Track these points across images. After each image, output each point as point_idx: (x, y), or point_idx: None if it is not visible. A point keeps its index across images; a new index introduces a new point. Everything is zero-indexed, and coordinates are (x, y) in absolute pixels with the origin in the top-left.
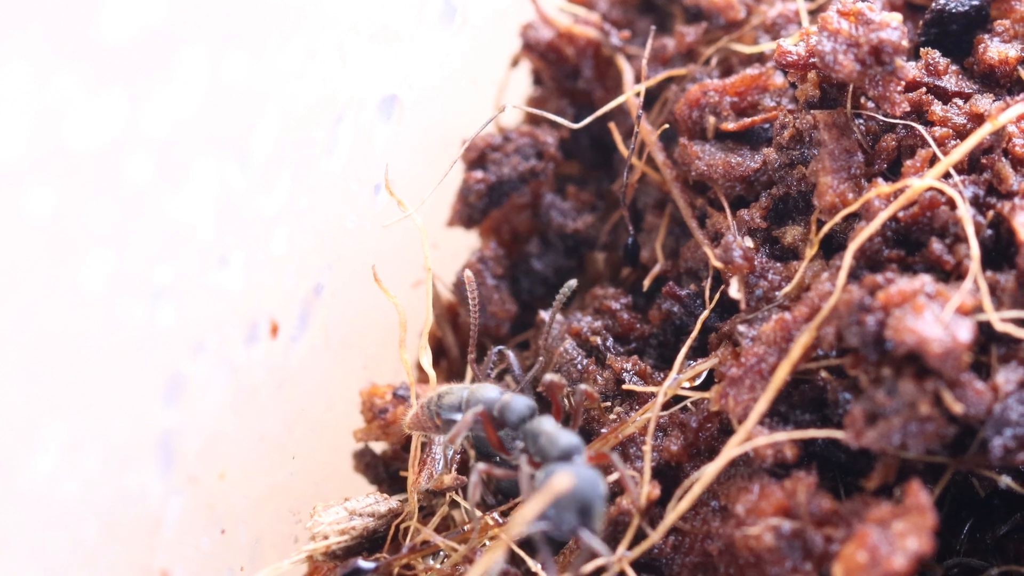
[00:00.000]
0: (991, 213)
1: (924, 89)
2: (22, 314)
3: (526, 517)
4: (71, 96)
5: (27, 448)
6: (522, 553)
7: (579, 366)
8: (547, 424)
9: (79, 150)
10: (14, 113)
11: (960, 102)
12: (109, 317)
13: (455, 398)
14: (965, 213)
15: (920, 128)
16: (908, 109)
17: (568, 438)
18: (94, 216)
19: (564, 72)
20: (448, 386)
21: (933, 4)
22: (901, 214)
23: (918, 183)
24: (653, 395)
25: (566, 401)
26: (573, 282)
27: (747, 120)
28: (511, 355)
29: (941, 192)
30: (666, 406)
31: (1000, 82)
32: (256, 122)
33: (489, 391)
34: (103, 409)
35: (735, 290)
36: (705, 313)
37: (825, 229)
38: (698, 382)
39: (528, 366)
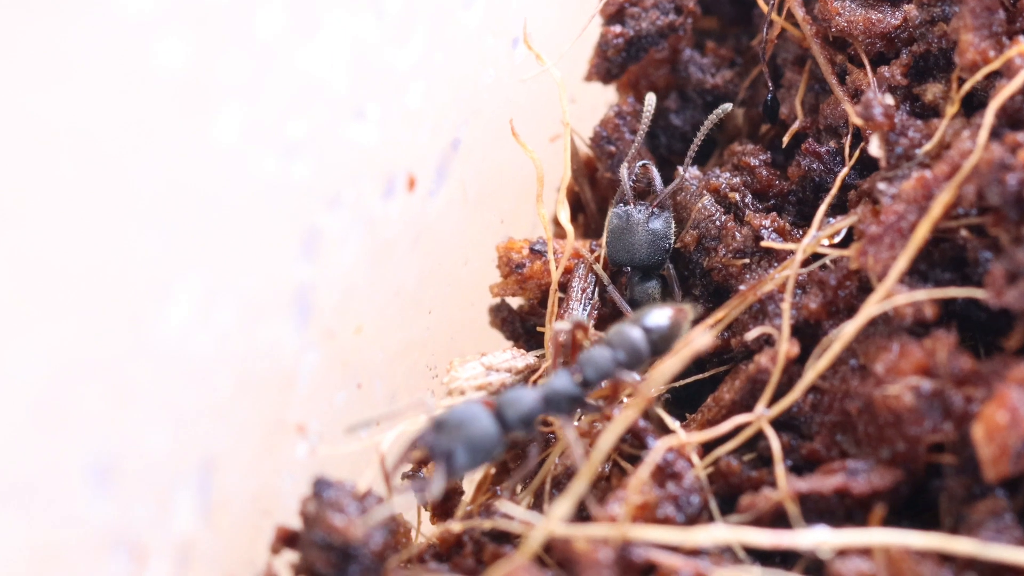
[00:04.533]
0: None
1: None
2: (155, 167)
3: (666, 374)
4: None
5: (160, 301)
6: (661, 411)
7: (717, 223)
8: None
9: (211, 1)
10: None
11: None
12: (242, 170)
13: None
14: None
15: None
16: None
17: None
18: (227, 69)
19: None
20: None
21: None
22: None
23: None
24: (792, 252)
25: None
26: (728, 105)
27: None
28: (654, 170)
29: None
30: (805, 263)
31: None
32: None
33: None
34: (237, 262)
35: (875, 147)
36: (845, 170)
37: (966, 87)
38: (837, 240)
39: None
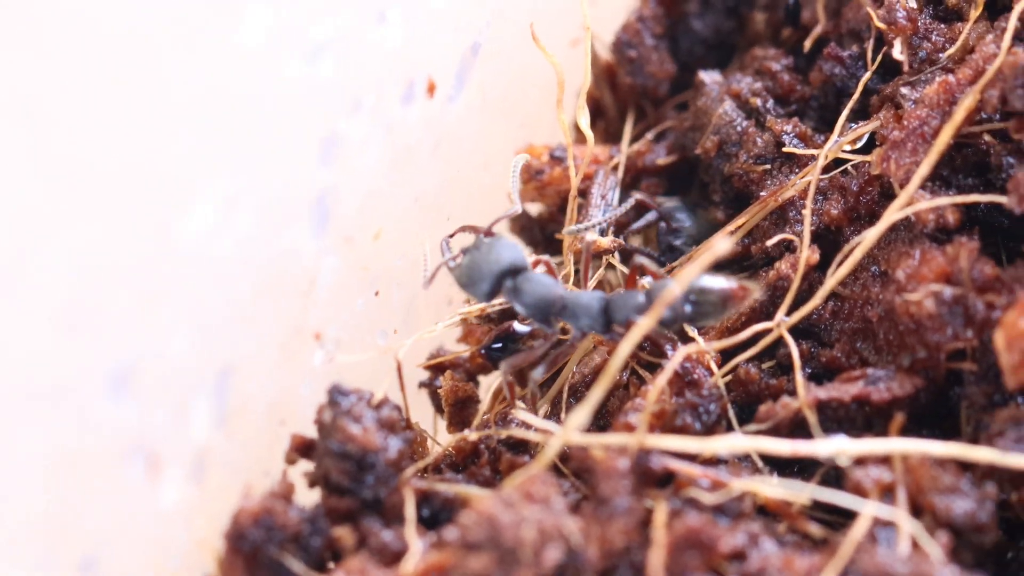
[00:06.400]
0: None
1: None
2: (179, 69)
3: (686, 281)
4: None
5: (181, 207)
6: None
7: (738, 128)
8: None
9: None
10: None
11: None
12: (266, 73)
13: None
14: None
15: None
16: None
17: None
18: None
19: None
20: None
21: None
22: None
23: None
24: (813, 158)
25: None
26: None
27: None
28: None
29: None
30: (826, 169)
31: None
32: None
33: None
34: (258, 166)
35: (898, 51)
36: (867, 75)
37: None
38: (859, 145)
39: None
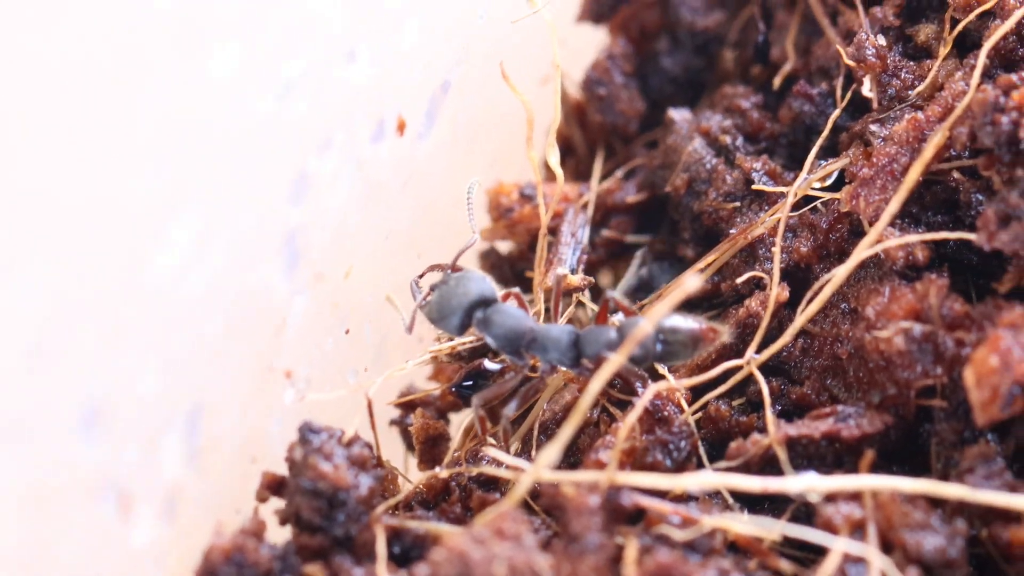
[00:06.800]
0: None
1: None
2: (148, 106)
3: (656, 319)
4: None
5: (151, 245)
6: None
7: (707, 166)
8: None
9: None
10: None
11: None
12: (235, 112)
13: None
14: None
15: None
16: None
17: None
18: (222, 7)
19: None
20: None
21: None
22: None
23: None
24: (783, 195)
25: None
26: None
27: None
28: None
29: None
30: (796, 207)
31: None
32: None
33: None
34: (228, 204)
35: (867, 89)
36: (837, 112)
37: (959, 27)
38: (829, 182)
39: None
